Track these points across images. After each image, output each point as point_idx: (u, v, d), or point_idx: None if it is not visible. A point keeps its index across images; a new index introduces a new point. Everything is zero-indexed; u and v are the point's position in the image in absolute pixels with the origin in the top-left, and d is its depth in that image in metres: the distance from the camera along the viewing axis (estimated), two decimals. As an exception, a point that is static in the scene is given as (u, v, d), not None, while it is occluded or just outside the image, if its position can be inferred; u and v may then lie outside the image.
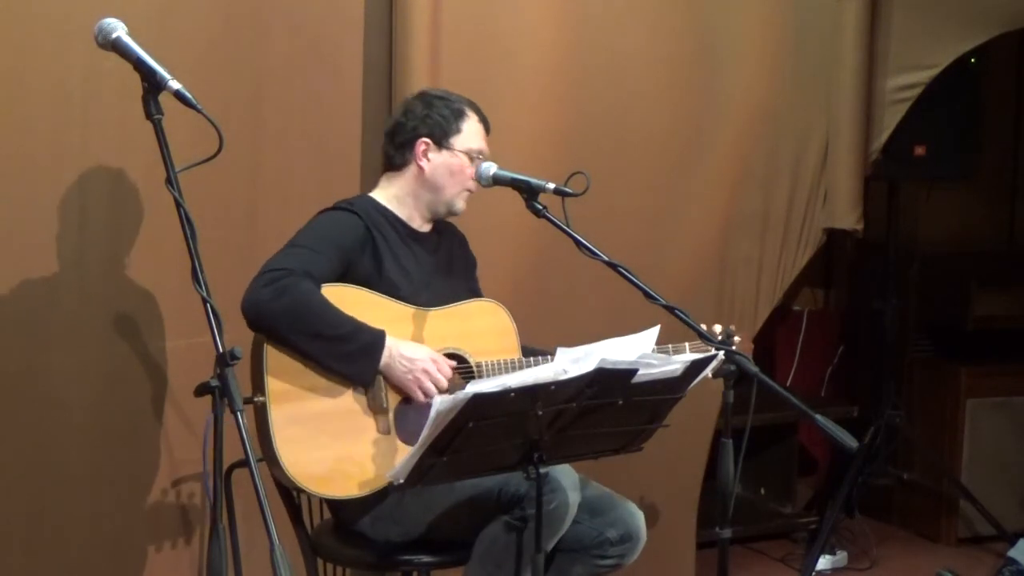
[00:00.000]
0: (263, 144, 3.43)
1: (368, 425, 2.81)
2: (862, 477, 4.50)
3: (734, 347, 2.86)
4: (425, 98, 3.08)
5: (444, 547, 2.87)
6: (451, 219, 3.15)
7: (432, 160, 3.02)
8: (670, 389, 2.59)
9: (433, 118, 3.02)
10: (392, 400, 2.84)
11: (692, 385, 2.66)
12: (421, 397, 2.80)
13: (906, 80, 4.29)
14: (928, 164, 4.47)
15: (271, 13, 3.42)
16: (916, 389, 4.95)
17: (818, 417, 2.62)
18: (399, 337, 2.84)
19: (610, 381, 2.45)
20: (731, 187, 4.15)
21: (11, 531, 3.15)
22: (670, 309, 2.72)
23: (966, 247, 5.27)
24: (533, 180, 2.88)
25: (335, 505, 2.94)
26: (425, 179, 3.03)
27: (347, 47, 3.54)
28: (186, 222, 2.30)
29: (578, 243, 2.79)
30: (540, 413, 2.42)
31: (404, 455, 2.54)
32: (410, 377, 2.80)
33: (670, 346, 2.99)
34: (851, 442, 2.63)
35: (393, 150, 3.06)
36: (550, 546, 2.78)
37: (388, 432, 2.82)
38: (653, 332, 2.67)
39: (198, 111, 2.32)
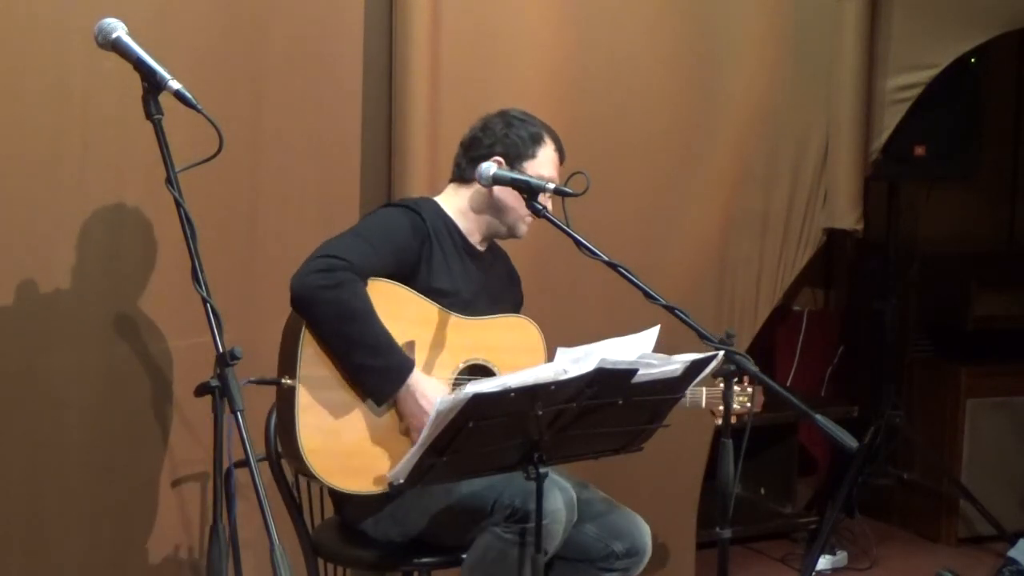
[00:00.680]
0: (263, 144, 3.43)
1: (390, 424, 2.81)
2: (862, 477, 4.50)
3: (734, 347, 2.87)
4: (506, 117, 3.05)
5: (444, 548, 2.87)
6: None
7: None
8: (670, 389, 2.59)
9: (511, 138, 3.00)
10: None
11: (692, 385, 2.66)
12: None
13: (906, 80, 4.29)
14: (928, 164, 4.47)
15: (271, 13, 3.42)
16: (916, 389, 4.95)
17: (818, 417, 2.62)
18: (424, 340, 2.83)
19: (610, 381, 2.45)
20: (731, 187, 4.15)
21: (11, 531, 3.15)
22: (670, 309, 2.71)
23: (966, 247, 5.27)
24: (533, 180, 2.88)
25: (340, 502, 2.95)
26: (493, 198, 3.01)
27: (347, 47, 3.54)
28: (186, 222, 2.30)
29: (578, 243, 2.79)
30: (540, 413, 2.42)
31: (415, 458, 2.54)
32: (414, 422, 2.79)
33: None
34: (851, 442, 2.62)
35: (466, 163, 3.03)
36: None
37: (407, 433, 2.82)
38: (653, 332, 2.66)
39: (198, 111, 2.32)
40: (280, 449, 2.87)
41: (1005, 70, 5.35)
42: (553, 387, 2.40)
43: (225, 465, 2.35)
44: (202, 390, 2.27)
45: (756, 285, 4.23)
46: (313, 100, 3.50)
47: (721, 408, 2.70)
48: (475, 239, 3.06)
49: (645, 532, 2.96)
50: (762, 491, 4.96)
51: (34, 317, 3.14)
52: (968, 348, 4.91)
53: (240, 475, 2.77)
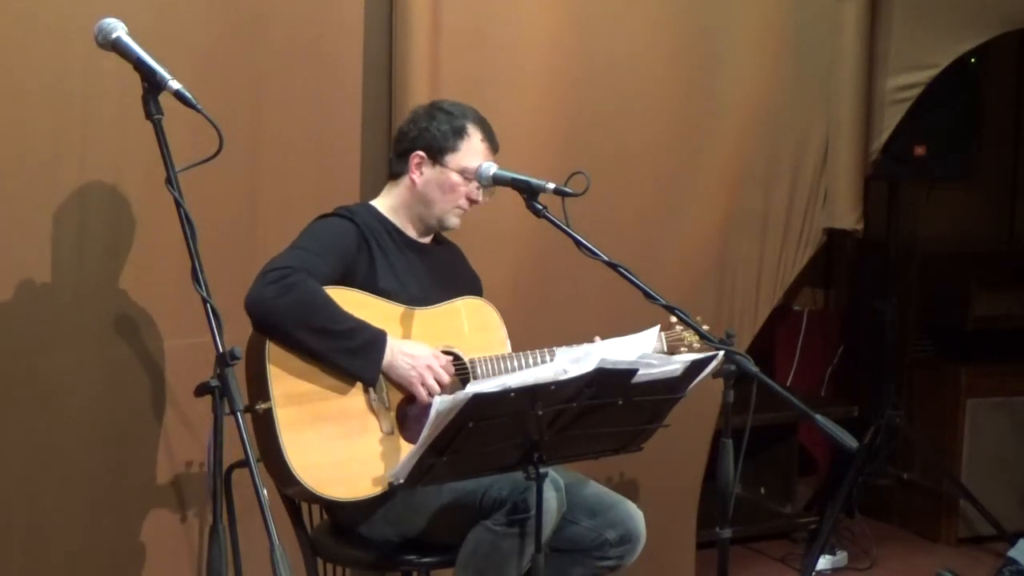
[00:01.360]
0: (263, 144, 3.43)
1: (372, 425, 2.81)
2: (862, 477, 4.50)
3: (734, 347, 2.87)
4: (431, 110, 3.07)
5: (442, 547, 2.87)
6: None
7: (424, 174, 3.02)
8: (670, 389, 2.59)
9: (432, 132, 3.01)
10: (394, 399, 2.85)
11: (692, 385, 2.66)
12: (424, 394, 2.80)
13: (906, 80, 4.29)
14: (928, 164, 4.46)
15: (271, 13, 3.42)
16: (916, 389, 4.95)
17: (818, 417, 2.62)
18: (392, 336, 2.84)
19: (610, 381, 2.45)
20: (731, 187, 4.15)
21: (11, 530, 3.15)
22: (670, 309, 2.72)
23: (966, 247, 5.26)
24: (533, 180, 2.88)
25: (331, 508, 2.94)
26: (417, 192, 3.03)
27: (347, 47, 3.54)
28: (186, 222, 2.30)
29: (578, 243, 2.79)
30: (540, 413, 2.42)
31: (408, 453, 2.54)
32: (413, 374, 2.80)
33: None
34: (851, 442, 2.62)
35: (394, 158, 3.08)
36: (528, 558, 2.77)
37: (392, 432, 2.82)
38: (653, 332, 2.67)
39: (198, 111, 2.32)
40: (271, 477, 2.80)
41: (1005, 70, 5.35)
42: (553, 387, 2.40)
43: (225, 465, 2.36)
44: (202, 390, 2.28)
45: (756, 285, 4.22)
46: (313, 100, 3.50)
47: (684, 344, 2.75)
48: (412, 233, 3.07)
49: (638, 518, 2.94)
50: (762, 491, 4.96)
51: (34, 317, 3.14)
52: (968, 348, 4.91)
53: (240, 475, 2.77)
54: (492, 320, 3.04)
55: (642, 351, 2.57)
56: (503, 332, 3.03)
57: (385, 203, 3.08)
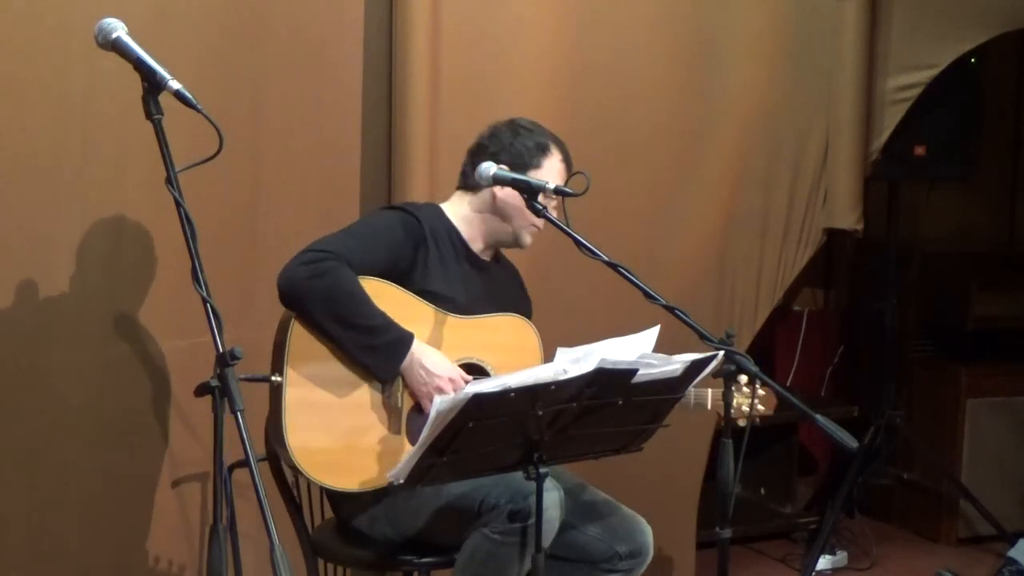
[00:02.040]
0: (263, 144, 3.43)
1: (379, 422, 2.81)
2: (862, 477, 4.50)
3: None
4: (513, 126, 3.06)
5: (441, 547, 2.87)
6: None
7: (506, 189, 2.98)
8: (670, 389, 2.59)
9: (516, 147, 3.01)
10: (407, 402, 2.84)
11: (692, 385, 2.66)
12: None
13: (906, 80, 4.29)
14: (928, 164, 4.47)
15: (271, 14, 3.42)
16: (916, 389, 4.96)
17: (818, 417, 2.61)
18: (419, 338, 2.83)
19: (610, 381, 2.44)
20: (731, 187, 4.15)
21: (11, 530, 3.15)
22: (670, 309, 2.71)
23: (966, 247, 5.27)
24: (533, 180, 2.88)
25: (335, 500, 2.95)
26: (496, 206, 3.02)
27: (347, 47, 3.54)
28: (186, 222, 2.30)
29: (578, 243, 2.79)
30: (540, 413, 2.42)
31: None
32: (424, 389, 2.80)
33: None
34: (851, 442, 2.62)
35: (471, 170, 3.02)
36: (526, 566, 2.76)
37: (399, 432, 2.82)
38: (653, 332, 2.66)
39: (198, 111, 2.32)
40: (274, 447, 2.85)
41: (1005, 70, 5.35)
42: (553, 387, 2.40)
43: (225, 465, 2.36)
44: (202, 390, 2.27)
45: (756, 285, 4.23)
46: (313, 100, 3.50)
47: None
48: (477, 247, 3.06)
49: (648, 533, 2.97)
50: (762, 491, 4.96)
51: (34, 317, 3.14)
52: (968, 348, 4.91)
53: (240, 475, 2.77)
54: (530, 342, 3.00)
55: (642, 351, 2.56)
56: (539, 357, 2.98)
57: (455, 211, 3.06)
